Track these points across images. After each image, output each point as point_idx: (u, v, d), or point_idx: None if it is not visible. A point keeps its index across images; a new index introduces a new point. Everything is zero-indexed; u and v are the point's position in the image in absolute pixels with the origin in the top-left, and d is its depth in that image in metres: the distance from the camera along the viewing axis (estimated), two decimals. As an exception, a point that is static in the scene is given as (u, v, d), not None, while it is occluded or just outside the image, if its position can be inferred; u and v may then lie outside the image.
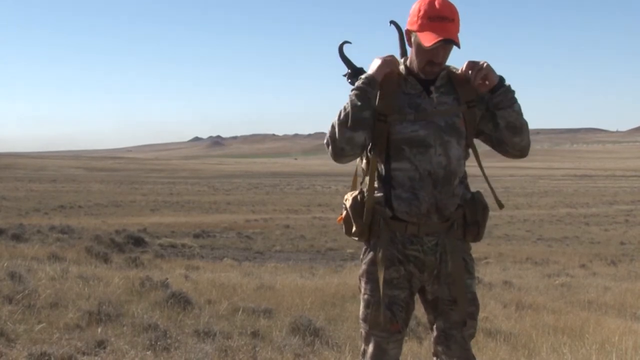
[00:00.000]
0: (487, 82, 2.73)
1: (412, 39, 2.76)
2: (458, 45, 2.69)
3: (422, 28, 2.69)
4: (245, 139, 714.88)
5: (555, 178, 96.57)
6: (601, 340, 5.34)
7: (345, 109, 2.73)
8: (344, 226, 2.93)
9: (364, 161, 2.93)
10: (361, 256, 2.92)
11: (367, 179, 2.88)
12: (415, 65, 2.78)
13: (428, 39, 2.65)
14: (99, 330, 4.73)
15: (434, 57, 2.71)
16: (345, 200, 2.91)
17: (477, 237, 2.87)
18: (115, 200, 41.17)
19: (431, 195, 2.74)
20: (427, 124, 2.73)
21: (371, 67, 2.80)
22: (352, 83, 2.92)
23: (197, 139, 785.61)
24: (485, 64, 2.74)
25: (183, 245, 18.57)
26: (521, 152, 2.85)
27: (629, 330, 6.03)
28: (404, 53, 2.96)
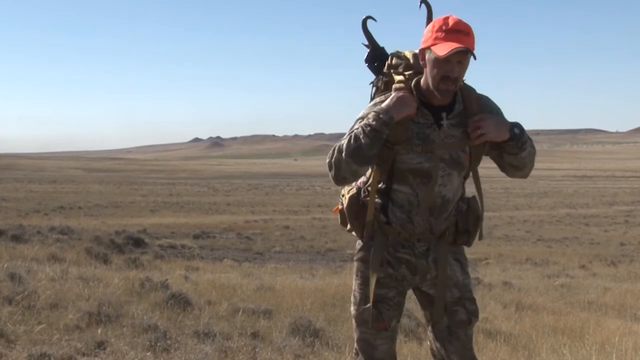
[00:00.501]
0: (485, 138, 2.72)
1: (426, 57, 2.69)
2: (474, 56, 2.64)
3: (436, 41, 2.64)
4: (245, 139, 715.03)
5: (555, 179, 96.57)
6: (601, 341, 5.35)
7: (355, 139, 2.68)
8: (339, 217, 3.02)
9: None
10: (355, 253, 2.96)
11: (368, 173, 2.90)
12: (429, 85, 2.70)
13: (443, 49, 2.60)
14: (99, 331, 4.73)
15: (449, 71, 2.63)
16: (342, 196, 2.97)
17: (467, 243, 2.93)
18: (115, 201, 41.15)
19: (426, 221, 2.81)
20: (431, 157, 2.73)
21: (390, 103, 2.71)
22: (371, 67, 2.93)
23: (197, 139, 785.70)
24: (484, 128, 2.70)
25: (183, 246, 18.55)
26: (522, 177, 2.95)
27: (629, 331, 6.04)
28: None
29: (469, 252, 3.32)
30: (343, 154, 2.68)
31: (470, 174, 2.90)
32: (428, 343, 3.00)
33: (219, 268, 12.27)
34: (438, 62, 2.63)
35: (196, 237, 21.60)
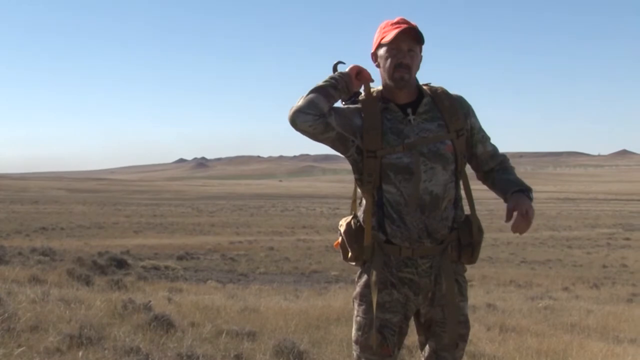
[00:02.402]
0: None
1: (378, 55, 2.82)
2: (421, 37, 2.75)
3: (385, 34, 2.77)
4: (230, 160, 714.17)
5: (538, 201, 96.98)
6: (584, 364, 5.35)
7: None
8: (341, 251, 2.96)
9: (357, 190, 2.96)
10: (356, 279, 2.93)
11: (363, 202, 2.90)
12: (387, 82, 2.81)
13: (390, 34, 2.74)
14: (80, 354, 4.67)
15: (401, 58, 2.74)
16: (340, 226, 2.93)
17: (472, 258, 2.89)
18: (98, 221, 40.85)
19: (419, 221, 2.76)
20: (410, 152, 2.75)
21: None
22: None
23: (181, 160, 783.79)
24: (530, 213, 2.77)
25: (166, 267, 18.43)
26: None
27: (611, 354, 6.05)
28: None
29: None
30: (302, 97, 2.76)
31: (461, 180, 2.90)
32: None
33: (203, 289, 12.19)
34: (389, 51, 2.75)
35: (180, 258, 21.47)
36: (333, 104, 2.77)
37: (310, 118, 2.69)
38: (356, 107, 2.83)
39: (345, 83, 2.79)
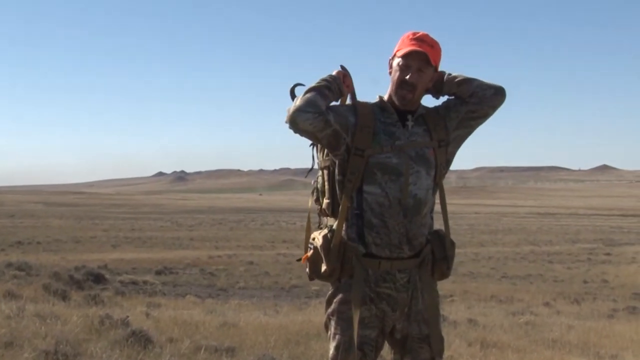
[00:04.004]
0: None
1: (392, 65, 2.88)
2: (431, 61, 2.80)
3: (401, 47, 2.84)
4: (210, 174, 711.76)
5: (519, 215, 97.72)
6: (565, 379, 5.37)
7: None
8: (309, 266, 2.90)
9: (325, 201, 2.95)
10: (328, 295, 2.90)
11: (328, 219, 2.91)
12: (391, 93, 2.86)
13: (403, 50, 2.80)
14: (56, 370, 4.61)
15: (407, 75, 2.79)
16: (314, 239, 2.90)
17: (446, 272, 2.91)
18: (75, 236, 40.44)
19: (401, 225, 2.77)
20: (399, 153, 2.79)
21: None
22: None
23: (160, 173, 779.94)
24: None
25: (144, 282, 18.29)
26: (490, 87, 2.90)
27: (592, 369, 6.08)
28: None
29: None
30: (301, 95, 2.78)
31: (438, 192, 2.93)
32: None
33: (182, 304, 12.11)
34: (400, 66, 2.81)
35: (158, 272, 21.33)
36: (329, 103, 2.82)
37: (310, 116, 2.72)
38: (351, 105, 2.89)
39: (337, 85, 2.85)
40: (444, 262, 2.89)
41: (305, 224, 3.09)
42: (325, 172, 2.96)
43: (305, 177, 3.13)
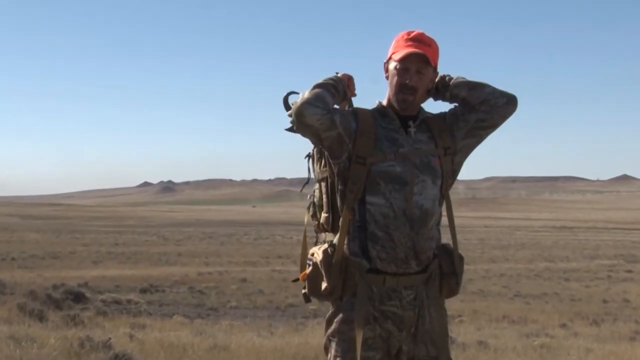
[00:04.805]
0: None
1: (389, 69, 2.90)
2: (430, 62, 2.83)
3: (396, 49, 2.85)
4: (199, 184, 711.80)
5: (533, 229, 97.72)
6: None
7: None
8: (307, 284, 2.90)
9: (324, 215, 2.96)
10: (328, 315, 2.90)
11: (327, 235, 2.92)
12: (390, 96, 2.89)
13: (400, 53, 2.81)
14: (32, 396, 4.60)
15: (407, 79, 2.81)
16: (313, 255, 2.89)
17: (455, 289, 2.93)
18: (53, 251, 40.39)
19: (407, 238, 2.78)
20: (403, 161, 2.81)
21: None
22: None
23: (146, 184, 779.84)
24: None
25: (128, 301, 18.27)
26: (503, 95, 2.91)
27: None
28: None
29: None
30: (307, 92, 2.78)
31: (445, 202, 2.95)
32: None
33: (168, 325, 12.09)
34: (397, 70, 2.83)
35: (143, 291, 21.31)
36: (335, 103, 2.84)
37: (319, 111, 2.72)
38: (351, 110, 2.91)
39: (343, 87, 2.87)
40: (453, 278, 2.90)
41: (301, 238, 3.09)
42: (323, 184, 2.97)
43: (301, 190, 3.14)
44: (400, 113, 2.89)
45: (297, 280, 3.01)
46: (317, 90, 2.77)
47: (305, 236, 3.06)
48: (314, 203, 3.03)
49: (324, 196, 2.96)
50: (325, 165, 2.95)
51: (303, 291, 2.99)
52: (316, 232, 3.07)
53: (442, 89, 2.95)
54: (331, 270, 2.79)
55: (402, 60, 2.81)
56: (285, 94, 2.96)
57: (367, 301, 2.80)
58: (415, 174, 2.81)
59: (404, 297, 2.82)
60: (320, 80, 2.85)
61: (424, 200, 2.81)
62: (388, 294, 2.81)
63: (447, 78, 2.96)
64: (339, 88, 2.85)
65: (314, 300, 2.95)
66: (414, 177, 2.80)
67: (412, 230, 2.79)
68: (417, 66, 2.82)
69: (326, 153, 2.87)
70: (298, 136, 2.86)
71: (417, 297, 2.84)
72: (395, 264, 2.79)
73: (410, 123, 2.88)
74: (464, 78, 2.94)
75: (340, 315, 2.83)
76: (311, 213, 3.04)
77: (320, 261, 2.82)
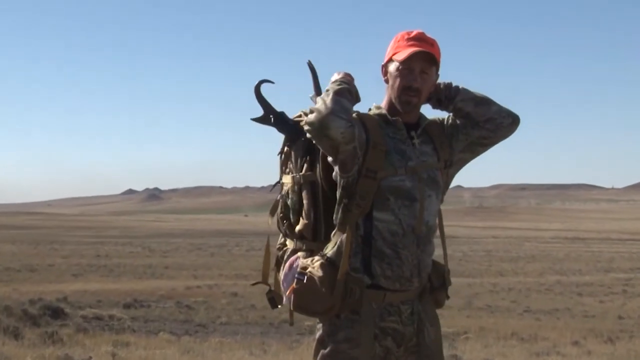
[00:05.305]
0: None
1: (389, 70, 2.90)
2: (436, 61, 2.84)
3: (397, 49, 2.85)
4: (187, 191, 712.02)
5: (543, 240, 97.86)
6: None
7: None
8: (295, 299, 2.82)
9: (304, 222, 2.94)
10: (319, 335, 2.87)
11: (305, 244, 2.92)
12: (392, 100, 2.89)
13: (403, 53, 2.81)
14: (7, 419, 4.59)
15: (411, 81, 2.81)
16: (312, 267, 2.81)
17: (443, 301, 3.01)
18: (30, 263, 40.34)
19: (414, 256, 2.81)
20: (412, 176, 2.82)
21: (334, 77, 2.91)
22: (277, 127, 3.00)
23: (130, 191, 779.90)
24: None
25: (111, 317, 18.25)
26: (509, 115, 2.95)
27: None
28: (318, 93, 3.04)
29: (445, 326, 3.35)
30: (327, 99, 2.73)
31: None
32: None
33: (154, 343, 12.06)
34: (400, 71, 2.83)
35: (127, 306, 21.31)
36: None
37: (344, 124, 2.70)
38: (358, 118, 2.85)
39: (355, 90, 2.86)
40: (443, 291, 2.97)
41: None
42: (306, 188, 2.94)
43: (270, 191, 3.13)
44: (402, 119, 2.88)
45: (257, 283, 3.10)
46: (338, 97, 2.73)
47: (268, 243, 3.07)
48: (286, 206, 3.01)
49: (305, 201, 2.93)
50: (310, 169, 2.94)
51: (268, 295, 3.07)
52: (285, 238, 3.07)
53: (446, 100, 2.97)
54: (335, 288, 2.75)
55: (406, 61, 2.81)
56: (257, 82, 2.96)
57: (372, 318, 2.79)
58: (423, 189, 2.83)
59: (402, 312, 2.85)
60: (335, 83, 2.81)
61: (429, 217, 2.84)
62: (387, 310, 2.83)
63: (452, 89, 2.96)
64: (353, 92, 2.84)
65: (295, 313, 2.93)
66: (423, 193, 2.82)
67: (418, 248, 2.82)
68: (422, 66, 2.83)
69: (337, 166, 2.81)
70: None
71: (414, 311, 2.87)
72: (399, 282, 2.81)
73: (413, 133, 2.89)
74: (467, 89, 2.96)
75: (340, 334, 2.81)
76: (280, 216, 3.04)
77: (321, 277, 2.77)
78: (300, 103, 3.21)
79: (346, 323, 2.81)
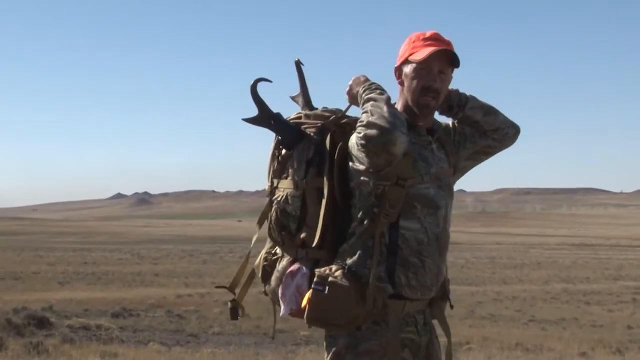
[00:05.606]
0: None
1: (404, 72, 2.90)
2: (457, 61, 2.84)
3: (414, 50, 2.85)
4: (179, 196, 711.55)
5: (549, 247, 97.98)
6: None
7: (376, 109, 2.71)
8: (315, 311, 2.76)
9: (308, 230, 2.92)
10: (337, 349, 2.82)
11: (307, 252, 2.91)
12: (408, 102, 2.88)
13: (422, 53, 2.81)
14: None
15: (431, 81, 2.82)
16: (327, 279, 2.74)
17: (444, 312, 3.05)
18: (14, 271, 40.31)
19: (436, 265, 2.84)
20: (434, 183, 2.85)
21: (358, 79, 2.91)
22: (277, 129, 2.97)
23: (119, 195, 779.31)
24: None
25: (99, 327, 18.20)
26: (513, 126, 3.05)
27: None
28: (306, 100, 3.07)
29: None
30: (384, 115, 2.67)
31: None
32: None
33: (143, 354, 12.06)
34: (417, 71, 2.83)
35: (116, 315, 21.25)
36: None
37: (405, 139, 2.68)
38: None
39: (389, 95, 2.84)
40: (446, 301, 3.01)
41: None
42: (313, 194, 2.89)
43: (267, 196, 3.10)
44: (418, 122, 2.88)
45: (222, 287, 3.09)
46: (393, 110, 2.70)
47: (249, 254, 3.07)
48: (284, 213, 2.95)
49: (312, 209, 2.88)
50: (319, 175, 2.87)
51: (231, 305, 3.12)
52: (282, 247, 3.01)
53: (457, 107, 2.99)
54: (367, 298, 2.71)
55: (425, 60, 2.80)
56: (253, 81, 2.95)
57: (386, 329, 2.77)
58: (444, 196, 2.86)
59: (418, 323, 2.88)
60: (375, 92, 2.77)
61: (449, 225, 2.90)
62: (406, 320, 2.83)
63: (462, 96, 2.99)
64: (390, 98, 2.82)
65: (306, 324, 2.88)
66: (443, 200, 2.85)
67: (440, 257, 2.86)
68: (440, 66, 2.83)
69: (375, 176, 2.76)
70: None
71: (426, 321, 2.91)
72: (421, 291, 2.82)
73: (430, 139, 2.92)
74: (475, 98, 3.01)
75: (362, 346, 2.78)
76: (274, 225, 2.98)
77: (347, 287, 2.71)
78: (295, 105, 3.20)
79: (368, 335, 2.78)
